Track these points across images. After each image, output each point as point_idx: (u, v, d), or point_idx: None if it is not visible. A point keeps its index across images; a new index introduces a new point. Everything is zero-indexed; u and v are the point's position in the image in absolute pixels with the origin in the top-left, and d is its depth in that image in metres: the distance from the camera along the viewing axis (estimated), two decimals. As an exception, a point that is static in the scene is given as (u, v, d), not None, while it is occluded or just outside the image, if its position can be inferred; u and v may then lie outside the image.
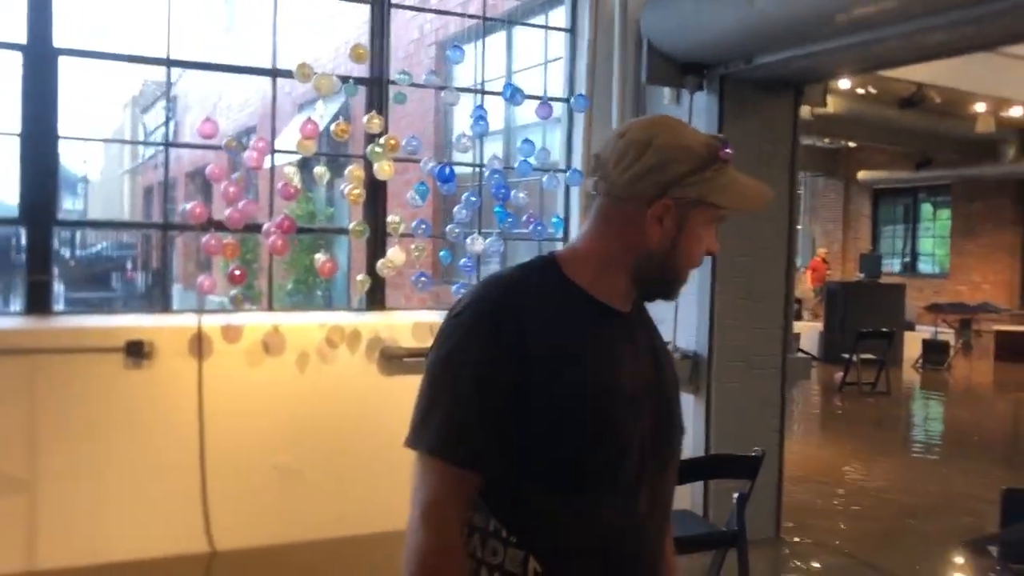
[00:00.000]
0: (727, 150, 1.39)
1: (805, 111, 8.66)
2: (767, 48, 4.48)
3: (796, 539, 5.16)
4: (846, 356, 11.17)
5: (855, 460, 7.49)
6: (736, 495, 3.61)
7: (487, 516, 1.38)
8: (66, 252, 17.41)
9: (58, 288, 15.41)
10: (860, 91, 12.58)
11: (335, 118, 5.10)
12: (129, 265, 18.79)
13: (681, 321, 5.09)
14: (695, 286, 5.02)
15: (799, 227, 21.37)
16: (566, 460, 1.33)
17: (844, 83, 11.77)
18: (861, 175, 19.81)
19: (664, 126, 1.40)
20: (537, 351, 1.31)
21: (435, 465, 1.33)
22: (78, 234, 17.76)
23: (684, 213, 1.39)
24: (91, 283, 16.04)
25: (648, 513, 1.41)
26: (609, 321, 1.41)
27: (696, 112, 5.01)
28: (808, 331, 14.09)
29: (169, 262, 6.22)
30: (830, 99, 11.97)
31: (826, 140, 18.11)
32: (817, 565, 4.77)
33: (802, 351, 11.34)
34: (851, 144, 18.95)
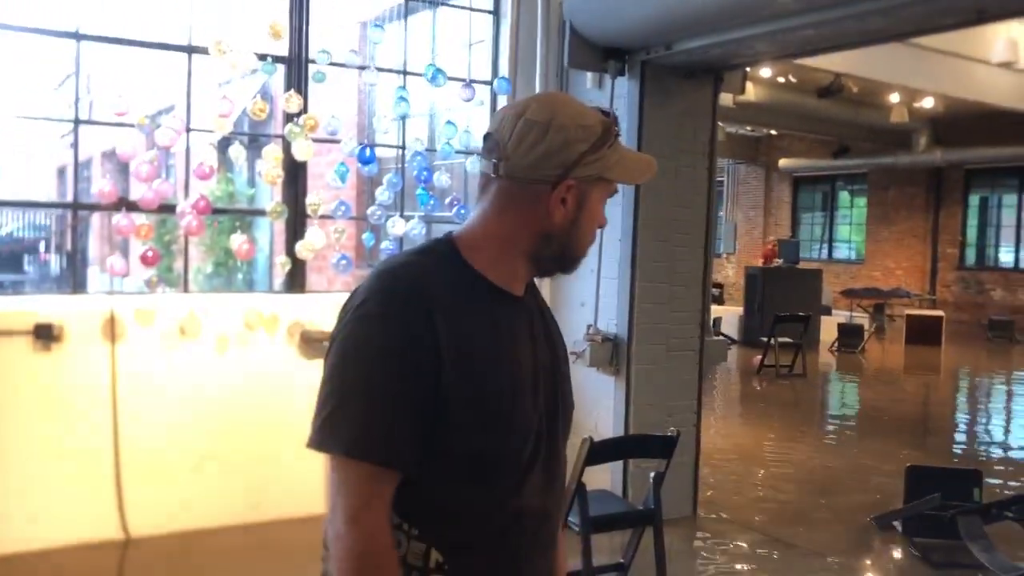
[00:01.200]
0: (615, 124, 1.40)
1: (727, 99, 8.83)
2: (687, 34, 4.54)
3: (712, 516, 5.28)
4: (764, 339, 11.43)
5: (772, 440, 7.69)
6: (652, 474, 3.68)
7: (391, 508, 1.35)
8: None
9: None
10: (780, 79, 12.87)
11: (254, 97, 5.00)
12: (42, 247, 18.18)
13: (602, 304, 5.15)
14: (616, 269, 5.08)
15: (721, 214, 21.81)
16: (472, 452, 1.30)
17: (765, 71, 12.02)
18: (782, 163, 20.29)
19: (561, 104, 1.39)
20: (446, 341, 1.28)
21: (353, 467, 1.26)
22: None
23: (584, 192, 1.38)
24: (2, 265, 15.47)
25: (544, 492, 1.41)
26: (507, 307, 1.40)
27: (617, 97, 5.06)
28: (728, 315, 14.39)
29: (82, 244, 6.03)
30: (752, 87, 12.23)
31: (748, 128, 18.49)
32: (732, 542, 4.89)
33: (722, 334, 11.56)
34: (772, 132, 19.39)
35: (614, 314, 5.12)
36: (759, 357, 11.39)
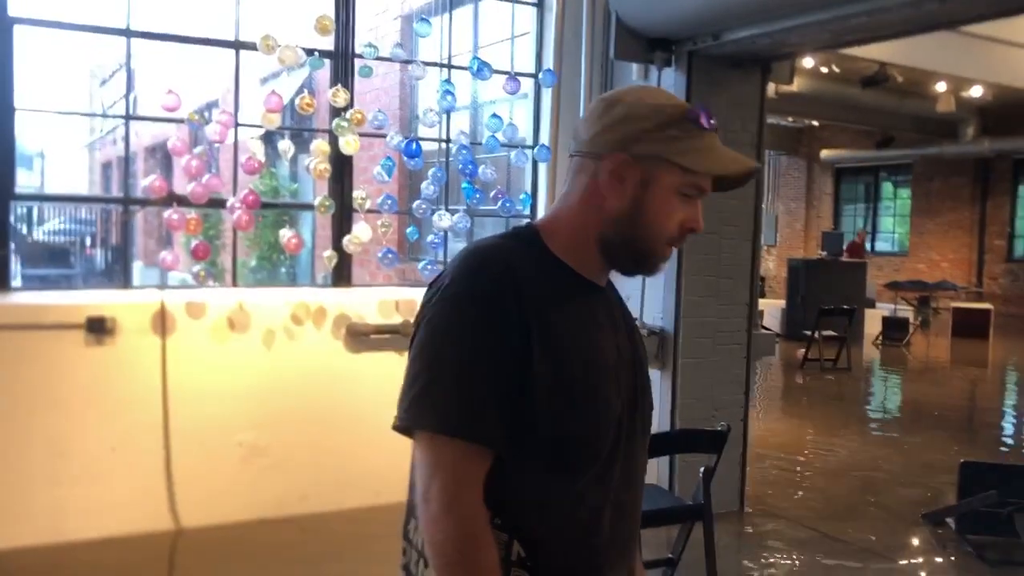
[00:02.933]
0: (704, 115, 1.32)
1: (769, 89, 8.72)
2: (736, 24, 4.48)
3: (760, 511, 5.23)
4: (807, 333, 11.30)
5: (817, 435, 7.60)
6: (702, 469, 3.65)
7: None
8: (23, 228, 17.05)
9: (15, 265, 15.10)
10: (824, 69, 12.67)
11: (300, 91, 5.04)
12: (88, 241, 18.46)
13: (648, 297, 5.11)
14: (662, 262, 5.03)
15: (762, 205, 21.60)
16: (557, 436, 1.27)
17: (808, 61, 11.84)
18: (824, 154, 20.01)
19: (643, 89, 1.38)
20: (533, 324, 1.25)
21: (446, 446, 1.23)
22: (35, 210, 17.39)
23: (649, 173, 1.31)
24: (49, 260, 15.73)
25: (623, 488, 1.39)
26: (589, 295, 1.37)
27: (664, 88, 5.00)
28: (770, 308, 14.25)
29: (130, 238, 6.11)
30: (795, 78, 12.07)
31: (789, 119, 18.26)
32: (780, 538, 4.84)
33: (765, 328, 11.44)
34: (814, 123, 19.13)
35: (660, 307, 5.08)
36: (803, 351, 11.26)
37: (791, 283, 14.06)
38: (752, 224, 5.16)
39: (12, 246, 4.59)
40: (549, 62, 5.33)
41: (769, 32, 4.40)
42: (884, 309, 15.08)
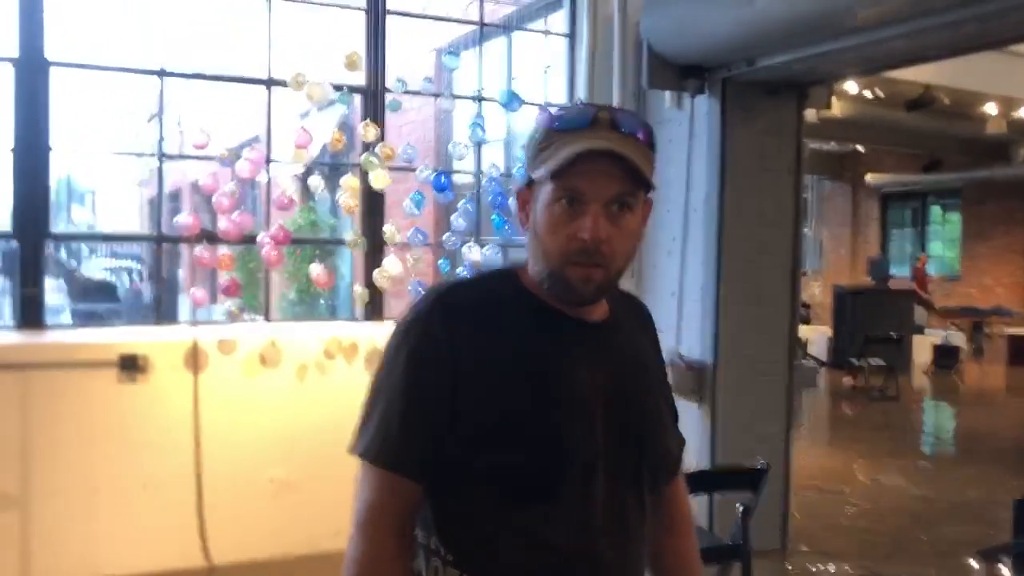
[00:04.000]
0: (549, 116, 1.31)
1: (810, 114, 8.59)
2: (769, 50, 4.40)
3: (804, 549, 5.06)
4: (854, 361, 11.05)
5: (864, 467, 7.38)
6: (740, 507, 3.53)
7: (429, 532, 1.32)
8: (72, 264, 17.42)
9: (63, 301, 15.44)
10: (867, 94, 12.48)
11: (340, 127, 5.06)
12: (135, 277, 18.79)
13: (685, 328, 5.01)
14: (698, 292, 4.94)
15: (806, 231, 21.28)
16: (488, 466, 1.26)
17: (851, 86, 11.67)
18: (869, 178, 19.69)
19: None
20: (466, 356, 1.28)
21: (368, 471, 1.30)
22: (84, 247, 17.78)
23: (533, 195, 1.33)
24: (96, 295, 16.02)
25: (603, 534, 1.30)
26: (559, 327, 1.33)
27: (698, 116, 4.94)
28: (816, 335, 13.98)
29: (168, 273, 6.18)
30: (837, 102, 11.86)
31: (832, 143, 18.01)
32: (826, 576, 4.67)
33: (810, 356, 11.23)
34: (858, 147, 18.85)
35: (697, 339, 4.97)
36: (849, 379, 11.01)
37: (837, 310, 13.79)
38: (790, 251, 5.04)
39: (63, 285, 4.64)
40: (581, 92, 5.30)
41: (804, 57, 4.31)
42: (934, 336, 14.70)
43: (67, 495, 4.24)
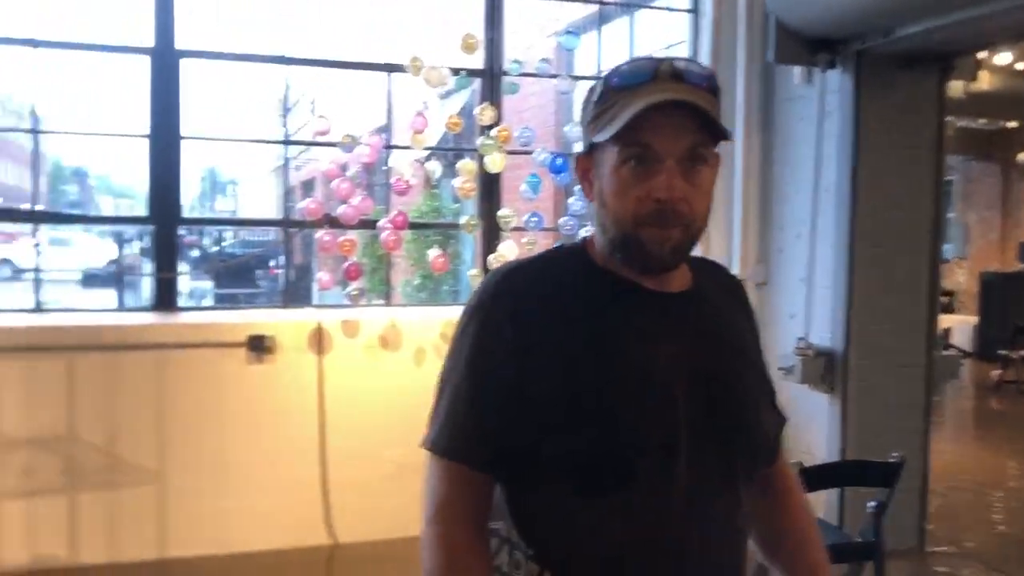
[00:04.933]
0: (615, 75, 1.21)
1: (956, 89, 8.05)
2: (908, 18, 4.11)
3: (942, 550, 4.77)
4: (1003, 352, 10.39)
5: (1013, 466, 6.91)
6: (872, 504, 3.33)
7: (509, 525, 1.26)
8: (215, 250, 18.30)
9: (207, 285, 16.21)
10: (1021, 65, 11.66)
11: (461, 111, 5.07)
12: (272, 262, 19.52)
13: (814, 315, 4.79)
14: (830, 278, 4.70)
15: (951, 215, 20.13)
16: (562, 453, 1.19)
17: (1004, 57, 10.90)
18: (1021, 158, 18.45)
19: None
20: (530, 338, 1.21)
21: (435, 463, 1.26)
22: (225, 233, 18.62)
23: (596, 160, 1.25)
24: (235, 280, 16.78)
25: (687, 520, 1.20)
26: (631, 300, 1.24)
27: (830, 92, 4.69)
28: (961, 325, 13.20)
29: (299, 258, 6.36)
30: (986, 75, 11.14)
31: (982, 121, 16.96)
32: (967, 580, 4.39)
33: (953, 347, 10.61)
34: (1010, 124, 17.69)
35: (828, 326, 4.74)
36: (997, 371, 10.36)
37: (984, 298, 13.01)
38: (929, 236, 4.73)
39: (180, 268, 4.84)
40: (705, 70, 5.11)
41: (947, 25, 4.01)
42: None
43: (199, 471, 4.42)
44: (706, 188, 1.22)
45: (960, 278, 19.26)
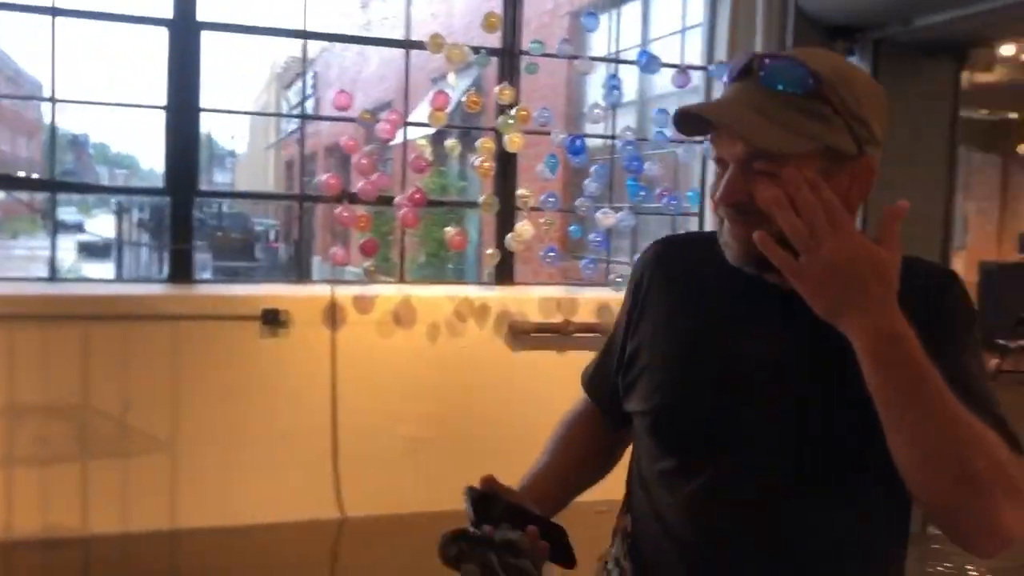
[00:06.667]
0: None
1: (963, 79, 8.05)
2: (928, 7, 4.13)
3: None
4: (1003, 342, 10.46)
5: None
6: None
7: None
8: (213, 223, 18.23)
9: (205, 258, 16.18)
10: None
11: (468, 90, 5.06)
12: (272, 236, 19.47)
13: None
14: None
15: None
16: (635, 410, 1.30)
17: (1007, 49, 10.89)
18: (1021, 149, 18.48)
19: None
20: (648, 305, 1.32)
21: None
22: (224, 206, 18.55)
23: None
24: (236, 253, 16.74)
25: (706, 510, 1.18)
26: (746, 291, 1.18)
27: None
28: (960, 315, 13.24)
29: (308, 234, 6.37)
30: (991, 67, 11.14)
31: (983, 111, 16.96)
32: None
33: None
34: (1010, 116, 17.70)
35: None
36: (996, 361, 10.44)
37: (983, 288, 13.06)
38: (941, 228, 4.77)
39: (204, 242, 4.83)
40: (721, 54, 5.11)
41: (968, 15, 4.02)
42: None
43: (211, 442, 4.44)
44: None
45: (958, 267, 19.33)
